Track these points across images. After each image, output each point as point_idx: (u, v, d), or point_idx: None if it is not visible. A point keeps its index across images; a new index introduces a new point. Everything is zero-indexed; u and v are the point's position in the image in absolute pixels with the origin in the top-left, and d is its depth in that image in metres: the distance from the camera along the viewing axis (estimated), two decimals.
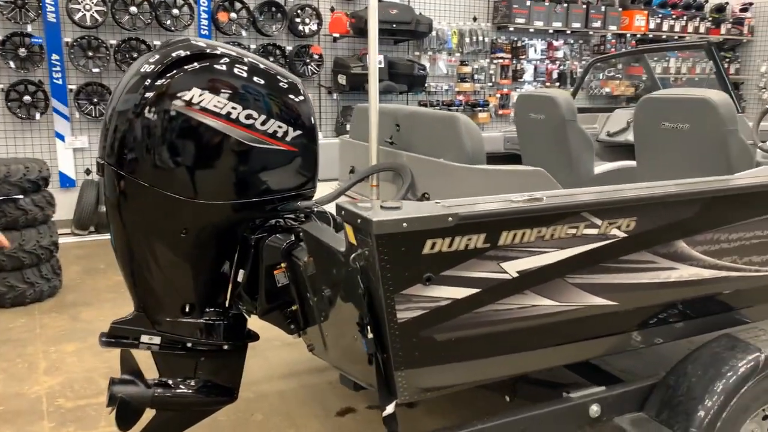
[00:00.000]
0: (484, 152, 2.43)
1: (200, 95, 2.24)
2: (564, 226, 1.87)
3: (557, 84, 9.16)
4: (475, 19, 8.53)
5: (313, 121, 2.45)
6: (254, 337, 2.66)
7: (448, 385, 1.96)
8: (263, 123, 2.33)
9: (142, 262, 2.40)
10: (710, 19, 10.00)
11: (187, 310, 2.50)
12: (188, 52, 2.29)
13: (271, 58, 7.22)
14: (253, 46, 7.18)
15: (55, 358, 3.75)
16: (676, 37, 9.80)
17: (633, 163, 3.63)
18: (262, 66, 2.40)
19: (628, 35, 9.45)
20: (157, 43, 6.70)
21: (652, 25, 9.44)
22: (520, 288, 1.89)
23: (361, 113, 3.28)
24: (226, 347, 2.58)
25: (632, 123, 4.58)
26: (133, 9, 6.45)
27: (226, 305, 2.59)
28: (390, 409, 1.92)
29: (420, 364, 1.87)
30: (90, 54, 6.42)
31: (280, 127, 2.36)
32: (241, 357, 2.66)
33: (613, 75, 9.63)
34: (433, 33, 8.07)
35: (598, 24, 8.94)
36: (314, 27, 7.41)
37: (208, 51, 2.33)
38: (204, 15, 6.95)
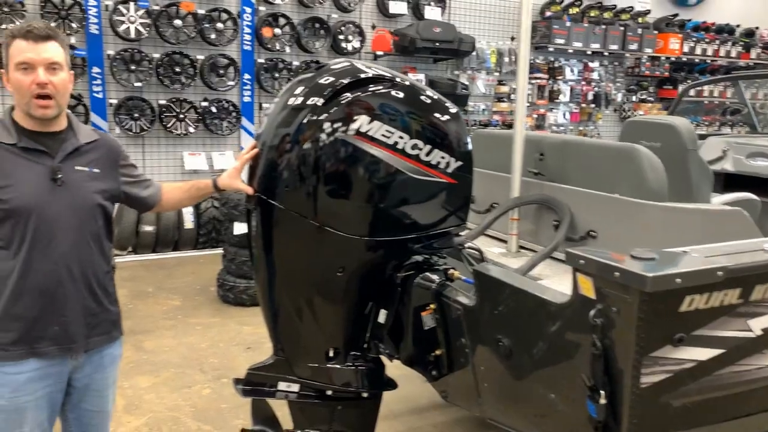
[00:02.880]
0: (666, 188, 2.25)
1: (369, 123, 2.04)
2: None
3: (592, 105, 9.05)
4: (513, 38, 8.40)
5: (470, 150, 2.25)
6: (393, 384, 2.43)
7: None
8: (428, 153, 2.13)
9: (291, 303, 2.19)
10: (741, 43, 9.96)
11: (331, 355, 2.28)
12: (349, 79, 2.09)
13: None
14: (295, 63, 6.99)
15: (132, 394, 3.50)
16: (708, 61, 9.74)
17: (749, 195, 3.47)
18: (424, 91, 2.22)
19: (663, 58, 9.37)
20: (200, 57, 6.50)
21: (686, 49, 9.38)
22: (760, 347, 1.69)
23: (481, 139, 3.08)
24: (365, 395, 2.37)
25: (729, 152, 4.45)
26: (177, 22, 6.24)
27: (366, 349, 2.37)
28: None
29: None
30: (132, 67, 6.20)
31: (443, 157, 2.16)
32: (376, 405, 2.44)
33: (645, 98, 9.54)
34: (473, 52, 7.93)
35: (634, 46, 8.86)
36: (357, 44, 7.24)
37: (368, 75, 2.13)
38: (247, 30, 6.75)
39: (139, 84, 6.24)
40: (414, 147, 2.10)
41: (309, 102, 2.07)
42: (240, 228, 4.79)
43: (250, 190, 2.13)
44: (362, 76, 2.13)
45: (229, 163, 6.81)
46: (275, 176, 2.08)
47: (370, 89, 2.10)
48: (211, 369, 3.84)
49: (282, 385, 2.29)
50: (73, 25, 5.93)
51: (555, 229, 2.49)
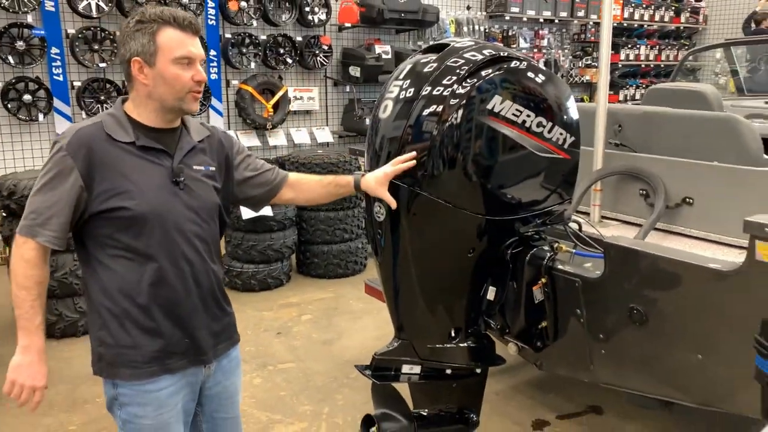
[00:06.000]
0: (763, 152, 2.38)
1: (501, 103, 2.05)
2: None
3: None
4: (468, 8, 8.47)
5: (578, 122, 2.29)
6: (502, 359, 2.49)
7: None
8: (550, 130, 2.17)
9: (422, 286, 2.19)
10: (672, 8, 10.48)
11: (453, 335, 2.30)
12: (467, 60, 2.07)
13: (281, 50, 6.85)
14: (262, 37, 6.77)
15: None
16: (645, 26, 10.21)
17: None
18: (539, 67, 2.23)
19: None
20: None
21: (626, 14, 9.77)
22: None
23: None
24: (478, 371, 2.42)
25: None
26: None
27: (479, 327, 2.41)
28: None
29: None
30: (95, 47, 5.81)
31: (561, 134, 2.21)
32: (485, 380, 2.49)
33: (590, 63, 9.89)
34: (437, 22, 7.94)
35: (582, 13, 9.15)
36: (323, 16, 7.08)
37: (491, 56, 2.11)
38: (211, 3, 6.46)
39: (103, 64, 5.86)
40: (539, 125, 2.13)
41: (433, 90, 2.04)
42: (248, 213, 4.65)
43: (393, 204, 2.00)
44: (485, 56, 2.11)
45: None
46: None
47: (495, 69, 2.09)
48: (251, 357, 3.76)
49: (405, 368, 2.30)
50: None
51: (642, 197, 2.60)
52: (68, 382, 3.44)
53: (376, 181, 1.98)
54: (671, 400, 2.20)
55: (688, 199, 2.46)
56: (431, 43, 2.20)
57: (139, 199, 1.67)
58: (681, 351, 2.02)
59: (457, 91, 2.01)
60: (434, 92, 2.03)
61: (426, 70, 2.09)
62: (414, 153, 1.99)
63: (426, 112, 2.02)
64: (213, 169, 1.84)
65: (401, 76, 2.14)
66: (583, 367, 2.40)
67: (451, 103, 2.01)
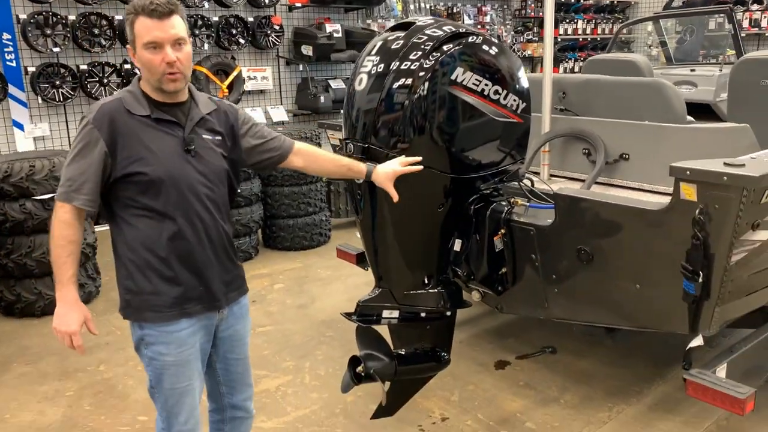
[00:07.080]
0: (686, 112, 2.74)
1: (462, 74, 2.33)
2: None
3: None
4: None
5: (528, 89, 2.58)
6: (468, 303, 2.80)
7: (738, 315, 2.28)
8: (505, 97, 2.46)
9: (398, 238, 2.47)
10: None
11: (426, 281, 2.59)
12: (431, 36, 2.34)
13: (234, 30, 6.96)
14: (215, 18, 6.86)
15: None
16: (582, 1, 10.66)
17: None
18: (493, 40, 2.51)
19: None
20: (118, 17, 6.21)
21: None
22: None
23: None
24: (448, 313, 2.72)
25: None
26: None
27: (447, 274, 2.71)
28: (698, 341, 2.22)
29: (729, 299, 2.16)
30: (48, 32, 5.82)
31: (515, 100, 2.50)
32: (453, 322, 2.80)
33: (531, 38, 10.30)
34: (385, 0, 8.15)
35: None
36: None
37: (453, 32, 2.38)
38: None
39: (56, 49, 5.88)
40: (495, 92, 2.42)
41: (401, 64, 2.30)
42: None
43: (396, 197, 2.26)
44: (446, 33, 2.38)
45: None
46: (382, 128, 2.32)
47: (455, 44, 2.36)
48: None
49: (386, 313, 2.59)
50: None
51: (585, 156, 2.94)
52: (57, 354, 3.60)
53: (386, 176, 2.26)
54: (615, 327, 2.55)
55: (624, 155, 2.81)
56: (385, 21, 2.45)
57: (155, 165, 1.90)
58: (622, 283, 2.37)
59: (424, 65, 2.28)
60: (403, 66, 2.29)
61: (395, 46, 2.35)
62: (420, 158, 2.27)
63: (397, 84, 2.28)
64: (219, 138, 2.06)
65: (373, 52, 2.39)
66: (539, 306, 2.73)
67: (419, 75, 2.28)
